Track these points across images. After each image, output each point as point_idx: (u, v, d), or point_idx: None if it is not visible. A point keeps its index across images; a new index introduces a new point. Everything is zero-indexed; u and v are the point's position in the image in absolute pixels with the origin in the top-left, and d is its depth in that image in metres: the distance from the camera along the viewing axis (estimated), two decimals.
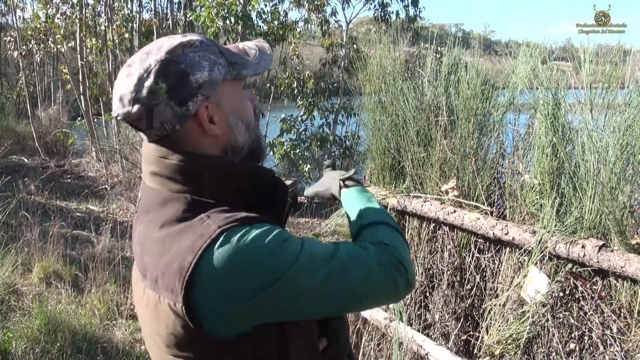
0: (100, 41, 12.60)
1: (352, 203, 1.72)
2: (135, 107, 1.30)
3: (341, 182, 1.81)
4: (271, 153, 11.61)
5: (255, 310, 1.26)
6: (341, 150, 12.24)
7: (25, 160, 13.13)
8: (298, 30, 12.29)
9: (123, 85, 1.32)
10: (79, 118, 14.01)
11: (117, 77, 1.35)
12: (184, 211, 1.32)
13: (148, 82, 1.30)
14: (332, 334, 1.51)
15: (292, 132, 11.97)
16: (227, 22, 9.76)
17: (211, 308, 1.25)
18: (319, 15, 11.68)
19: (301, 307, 1.30)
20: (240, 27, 9.91)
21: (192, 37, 1.37)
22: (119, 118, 1.34)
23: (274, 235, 1.27)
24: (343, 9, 13.05)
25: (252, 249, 1.23)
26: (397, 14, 12.03)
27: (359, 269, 1.33)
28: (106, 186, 10.15)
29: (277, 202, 1.46)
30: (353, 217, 1.66)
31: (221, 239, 1.23)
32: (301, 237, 1.36)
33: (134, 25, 12.53)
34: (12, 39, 16.08)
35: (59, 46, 13.42)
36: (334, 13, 11.90)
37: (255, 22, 10.58)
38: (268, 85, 12.99)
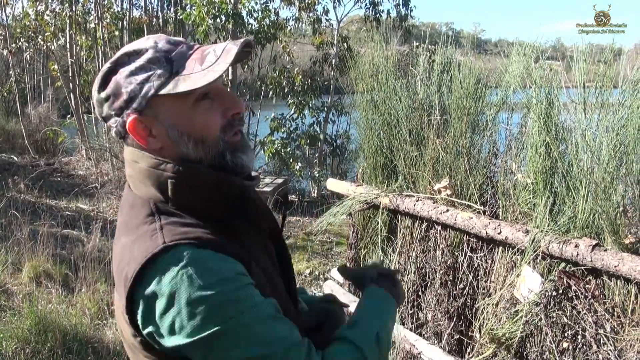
0: (90, 39, 12.55)
1: (367, 306, 1.55)
2: (97, 111, 1.35)
3: (374, 275, 1.66)
4: (262, 152, 11.60)
5: (173, 343, 1.23)
6: (331, 148, 12.22)
7: (15, 158, 13.06)
8: (288, 28, 12.26)
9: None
10: (69, 116, 13.94)
11: None
12: (145, 217, 1.32)
13: (95, 91, 1.34)
14: None
15: (283, 130, 11.95)
16: (218, 20, 9.73)
17: (145, 322, 1.24)
18: (310, 14, 11.66)
19: None
20: (230, 26, 9.88)
21: (148, 43, 1.34)
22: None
23: (219, 274, 1.22)
24: (334, 8, 13.01)
25: (189, 283, 1.20)
26: (388, 12, 12.02)
27: None
28: (96, 185, 10.11)
29: (249, 214, 1.41)
30: (354, 318, 1.49)
31: (162, 255, 1.22)
32: (257, 300, 1.26)
33: (124, 22, 12.48)
34: (1, 37, 15.98)
35: (48, 43, 13.34)
36: (325, 11, 11.88)
37: (246, 20, 10.54)
38: (259, 83, 12.96)
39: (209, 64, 1.30)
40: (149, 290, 1.21)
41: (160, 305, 1.20)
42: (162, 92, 1.29)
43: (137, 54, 1.32)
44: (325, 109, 12.13)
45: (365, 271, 1.71)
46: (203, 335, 1.19)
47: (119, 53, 1.34)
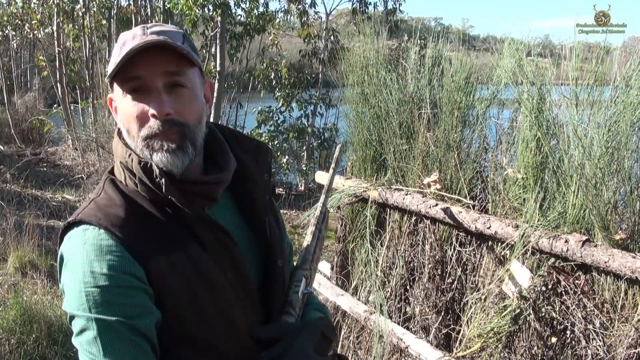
0: (77, 27, 12.47)
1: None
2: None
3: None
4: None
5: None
6: (319, 142, 12.21)
7: (1, 147, 12.98)
8: (277, 20, 12.23)
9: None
10: (56, 105, 13.88)
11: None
12: (97, 189, 1.45)
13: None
14: None
15: (270, 123, 11.94)
16: (205, 10, 9.68)
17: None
18: (299, 6, 11.63)
19: None
20: (219, 17, 9.83)
21: (134, 30, 1.42)
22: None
23: (105, 273, 1.26)
24: (322, 0, 13.03)
25: (79, 262, 1.28)
26: (375, 5, 12.01)
27: None
28: (82, 175, 10.07)
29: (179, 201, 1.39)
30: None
31: (74, 226, 1.34)
32: (127, 312, 1.26)
33: (112, 12, 12.41)
34: None
35: (35, 32, 13.25)
36: (313, 4, 11.85)
37: (234, 10, 10.50)
38: (247, 75, 12.93)
39: (125, 49, 1.34)
40: (60, 251, 1.35)
41: (62, 267, 1.34)
42: (108, 78, 1.40)
43: (120, 38, 1.42)
44: (313, 101, 12.12)
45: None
46: (70, 310, 1.28)
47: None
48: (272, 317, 1.53)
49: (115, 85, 1.39)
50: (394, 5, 11.92)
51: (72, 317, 1.27)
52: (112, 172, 1.47)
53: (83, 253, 1.27)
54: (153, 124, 1.35)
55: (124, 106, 1.37)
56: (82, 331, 1.25)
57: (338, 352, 3.67)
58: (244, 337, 1.42)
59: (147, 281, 1.29)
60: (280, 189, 11.38)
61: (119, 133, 1.44)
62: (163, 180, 1.33)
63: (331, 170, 2.04)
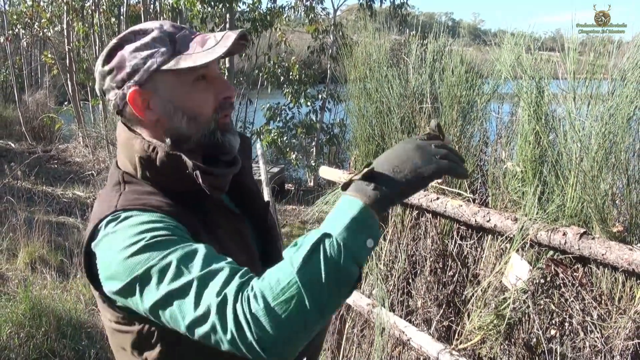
0: (86, 25, 12.53)
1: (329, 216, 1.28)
2: (97, 85, 1.48)
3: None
4: (258, 140, 11.61)
5: (119, 294, 1.30)
6: (328, 137, 12.23)
7: (12, 145, 13.07)
8: (285, 16, 12.25)
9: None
10: (66, 103, 13.95)
11: None
12: (114, 185, 1.45)
13: (98, 65, 1.46)
14: None
15: (279, 119, 11.97)
16: (208, 6, 9.71)
17: (98, 273, 1.33)
18: (306, 3, 11.64)
19: (140, 307, 1.26)
20: (224, 11, 9.85)
21: (153, 24, 1.46)
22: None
23: (149, 229, 1.27)
24: None
25: (124, 237, 1.28)
26: (382, 0, 12.00)
27: (197, 307, 1.17)
28: (92, 172, 10.13)
29: (206, 192, 1.44)
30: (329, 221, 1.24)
31: (109, 217, 1.33)
32: (185, 244, 1.26)
33: (122, 9, 12.46)
34: None
35: (45, 30, 13.32)
36: (320, 0, 11.87)
37: (239, 6, 10.53)
38: (256, 72, 12.96)
39: (209, 47, 1.41)
40: (95, 243, 1.33)
41: (101, 255, 1.31)
42: (164, 67, 1.40)
43: (143, 33, 1.44)
44: (322, 97, 12.13)
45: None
46: (135, 274, 1.23)
47: (126, 31, 1.46)
48: None
49: (173, 74, 1.41)
50: (401, 1, 11.92)
51: (139, 278, 1.23)
52: (118, 167, 1.50)
53: (131, 222, 1.30)
54: (227, 107, 1.49)
55: (193, 95, 1.44)
56: (161, 273, 1.20)
57: (342, 345, 3.70)
58: None
59: None
60: (290, 185, 11.42)
61: (130, 128, 1.48)
62: (198, 172, 1.39)
63: (262, 165, 2.19)
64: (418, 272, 3.17)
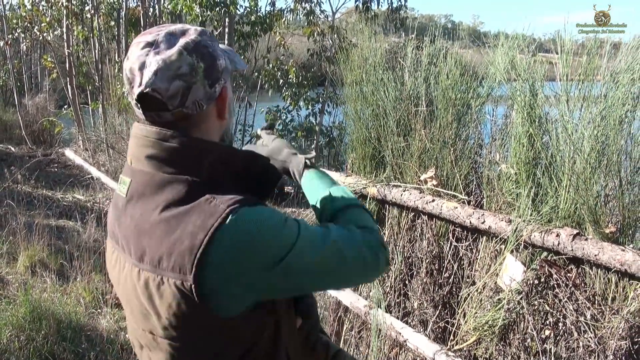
0: (86, 29, 12.54)
1: (318, 185, 1.70)
2: (176, 83, 1.34)
3: (307, 161, 1.79)
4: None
5: (263, 287, 1.32)
6: (327, 140, 12.25)
7: (12, 148, 13.08)
8: (283, 19, 12.26)
9: (156, 61, 1.34)
10: (66, 106, 13.95)
11: (132, 54, 1.37)
12: (187, 192, 1.35)
13: (189, 60, 1.35)
14: (306, 312, 1.61)
15: (278, 122, 11.98)
16: (206, 10, 9.72)
17: (220, 286, 1.29)
18: (305, 5, 11.66)
19: (303, 283, 1.38)
20: (226, 16, 9.87)
21: (192, 27, 1.44)
22: (148, 92, 1.34)
23: (276, 216, 1.35)
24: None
25: (260, 228, 1.30)
26: (379, 3, 12.02)
27: (351, 249, 1.41)
28: (92, 175, 10.12)
29: (267, 186, 1.52)
30: (321, 199, 1.65)
31: (230, 217, 1.28)
32: (294, 217, 1.40)
33: (121, 13, 12.48)
34: None
35: (44, 34, 13.33)
36: (318, 3, 11.88)
37: (236, 10, 10.54)
38: (256, 74, 12.97)
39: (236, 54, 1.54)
40: (225, 250, 1.28)
41: (242, 256, 1.29)
42: (231, 67, 1.47)
43: (208, 34, 1.44)
44: (321, 100, 12.15)
45: (288, 156, 1.86)
46: (322, 254, 1.37)
47: (195, 30, 1.43)
48: None
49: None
50: (399, 3, 11.94)
51: (288, 243, 1.33)
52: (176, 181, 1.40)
53: (263, 221, 1.32)
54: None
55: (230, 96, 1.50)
56: (324, 233, 1.42)
57: (340, 346, 3.72)
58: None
59: None
60: (290, 187, 11.41)
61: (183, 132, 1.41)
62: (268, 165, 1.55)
63: None
64: (414, 273, 3.19)
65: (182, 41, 1.36)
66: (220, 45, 1.49)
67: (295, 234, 1.34)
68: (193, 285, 1.28)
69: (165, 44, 1.36)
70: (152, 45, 1.35)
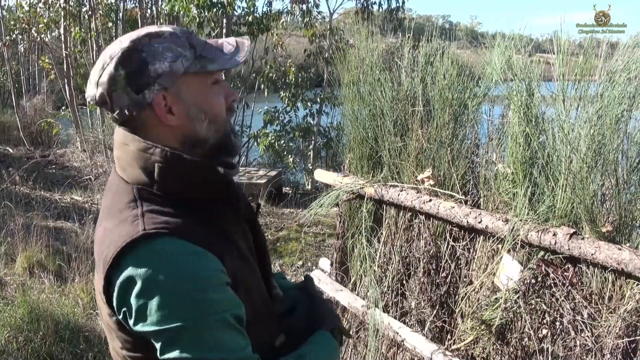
0: (83, 30, 12.55)
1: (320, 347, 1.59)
2: (98, 90, 1.38)
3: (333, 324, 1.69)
4: (255, 144, 11.63)
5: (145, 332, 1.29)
6: (325, 140, 12.26)
7: (10, 150, 13.07)
8: (281, 21, 12.27)
9: (93, 69, 1.40)
10: (64, 108, 13.95)
11: None
12: (128, 203, 1.38)
13: (109, 68, 1.36)
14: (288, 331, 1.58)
15: (276, 123, 12.00)
16: (204, 11, 9.72)
17: (119, 303, 1.31)
18: (302, 6, 11.67)
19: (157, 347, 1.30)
20: (224, 17, 9.88)
21: (165, 28, 1.44)
22: (88, 99, 1.42)
23: (195, 276, 1.28)
24: (326, 0, 13.06)
25: (165, 275, 1.26)
26: (380, 4, 12.03)
27: None
28: (90, 176, 10.13)
29: (232, 200, 1.50)
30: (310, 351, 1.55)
31: (142, 243, 1.29)
32: (225, 305, 1.32)
33: (119, 14, 12.48)
34: None
35: (42, 35, 13.33)
36: (316, 4, 11.89)
37: (230, 11, 10.54)
38: (253, 75, 12.98)
39: (229, 51, 1.46)
40: (125, 275, 1.27)
41: (134, 290, 1.27)
42: (191, 70, 1.40)
43: (159, 35, 1.40)
44: (319, 101, 12.16)
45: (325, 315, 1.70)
46: (166, 327, 1.25)
47: (139, 33, 1.41)
48: (270, 290, 1.67)
49: (195, 77, 1.42)
50: (397, 4, 11.95)
51: (173, 331, 1.26)
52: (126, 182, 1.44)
53: (171, 265, 1.27)
54: (232, 108, 1.54)
55: (212, 98, 1.46)
56: (195, 339, 1.26)
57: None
58: (271, 310, 1.57)
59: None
60: (287, 188, 11.43)
61: (138, 136, 1.42)
62: (224, 171, 1.45)
63: None
64: (412, 273, 3.19)
65: (112, 50, 1.39)
66: (210, 41, 1.48)
67: (198, 312, 1.27)
68: (104, 297, 1.34)
69: (107, 51, 1.42)
70: (103, 53, 1.43)
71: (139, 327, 1.28)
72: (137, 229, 1.30)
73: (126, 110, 1.38)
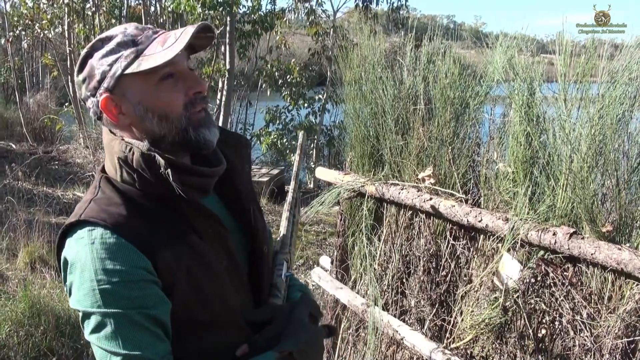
0: (87, 27, 12.56)
1: None
2: (78, 95, 1.50)
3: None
4: (258, 143, 11.65)
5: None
6: (328, 139, 12.27)
7: (13, 145, 13.11)
8: (285, 19, 12.28)
9: None
10: (67, 104, 13.98)
11: None
12: (92, 189, 1.50)
13: (75, 74, 1.50)
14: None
15: (278, 122, 12.01)
16: (209, 10, 9.74)
17: (65, 281, 1.43)
18: (306, 5, 11.68)
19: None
20: (227, 15, 9.89)
21: (119, 29, 1.48)
22: None
23: (115, 269, 1.33)
24: None
25: (89, 261, 1.34)
26: (378, 2, 12.05)
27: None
28: (93, 173, 10.14)
29: (191, 198, 1.47)
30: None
31: (76, 228, 1.39)
32: (140, 302, 1.35)
33: (123, 11, 12.49)
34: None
35: (45, 31, 13.35)
36: (319, 3, 11.90)
37: (239, 9, 10.57)
38: (256, 74, 12.99)
39: (169, 45, 1.42)
40: (63, 254, 1.40)
41: (67, 269, 1.39)
42: (128, 71, 1.41)
43: (109, 39, 1.44)
44: (322, 99, 12.17)
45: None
46: (83, 308, 1.34)
47: (94, 39, 1.47)
48: (260, 300, 1.66)
49: (138, 76, 1.43)
50: (400, 2, 11.96)
51: (86, 315, 1.34)
52: (103, 170, 1.53)
53: (92, 252, 1.33)
54: (198, 102, 1.49)
55: (159, 94, 1.44)
56: (98, 327, 1.33)
57: (338, 345, 3.73)
58: (239, 318, 1.54)
59: (155, 273, 1.37)
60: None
61: (111, 131, 1.50)
62: (169, 170, 1.40)
63: (297, 157, 2.17)
64: (412, 271, 3.19)
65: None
66: (161, 35, 1.47)
67: (111, 303, 1.33)
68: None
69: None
70: None
71: (70, 302, 1.39)
72: (78, 213, 1.41)
73: (95, 112, 1.49)
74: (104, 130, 1.52)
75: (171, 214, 1.46)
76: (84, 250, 1.34)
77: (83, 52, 1.47)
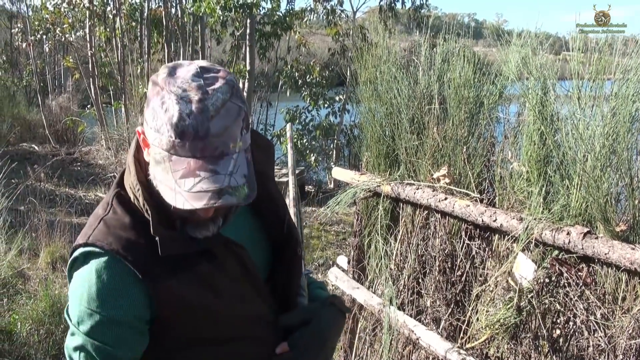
0: (108, 30, 12.67)
1: None
2: None
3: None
4: (278, 143, 11.68)
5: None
6: (348, 139, 12.26)
7: (36, 147, 13.24)
8: (304, 19, 12.29)
9: None
10: (89, 106, 14.10)
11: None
12: (104, 204, 1.52)
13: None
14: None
15: (298, 122, 12.03)
16: (229, 12, 9.79)
17: None
18: (325, 5, 11.69)
19: None
20: (244, 15, 9.94)
21: (184, 74, 1.35)
22: None
23: (105, 303, 1.40)
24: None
25: (88, 287, 1.40)
26: (403, 2, 12.03)
27: None
28: (115, 174, 10.21)
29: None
30: None
31: (85, 248, 1.42)
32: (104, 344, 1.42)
33: (143, 14, 12.58)
34: (20, 29, 16.17)
35: (66, 35, 13.47)
36: (340, 2, 11.91)
37: (255, 12, 10.60)
38: (276, 74, 13.02)
39: (195, 190, 1.30)
40: (72, 272, 1.47)
41: (70, 286, 1.47)
42: (153, 144, 1.35)
43: (175, 78, 1.34)
44: (342, 99, 12.17)
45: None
46: (69, 316, 1.47)
47: (171, 66, 1.40)
48: (291, 301, 1.70)
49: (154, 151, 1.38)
50: (421, 1, 11.94)
51: (69, 318, 1.47)
52: (120, 183, 1.52)
53: (89, 276, 1.39)
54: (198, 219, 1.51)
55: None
56: (72, 335, 1.45)
57: (355, 344, 3.74)
58: (254, 328, 1.57)
59: (148, 312, 1.43)
60: (310, 187, 11.45)
61: (137, 156, 1.50)
62: (157, 238, 1.40)
63: (289, 150, 2.17)
64: (427, 271, 3.19)
65: None
66: (192, 163, 1.34)
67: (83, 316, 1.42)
68: None
69: None
70: None
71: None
72: (87, 233, 1.44)
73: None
74: (133, 141, 1.53)
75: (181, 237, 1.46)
76: (84, 272, 1.41)
77: (167, 69, 1.36)
